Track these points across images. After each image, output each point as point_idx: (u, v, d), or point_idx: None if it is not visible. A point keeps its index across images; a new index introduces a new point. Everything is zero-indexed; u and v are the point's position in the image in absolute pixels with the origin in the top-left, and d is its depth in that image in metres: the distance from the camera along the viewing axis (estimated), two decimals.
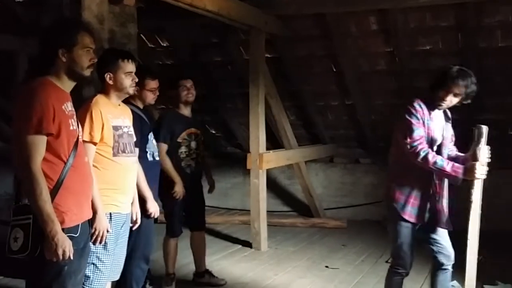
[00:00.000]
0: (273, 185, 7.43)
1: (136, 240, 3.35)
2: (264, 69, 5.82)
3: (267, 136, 5.87)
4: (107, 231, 2.70)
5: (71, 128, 2.37)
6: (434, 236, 3.38)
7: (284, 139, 6.56)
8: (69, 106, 2.39)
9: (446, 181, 3.30)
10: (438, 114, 3.33)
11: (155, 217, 3.46)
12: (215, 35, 6.50)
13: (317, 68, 6.57)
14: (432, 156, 3.11)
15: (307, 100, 6.94)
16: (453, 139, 3.46)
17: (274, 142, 6.96)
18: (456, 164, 3.12)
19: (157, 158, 3.75)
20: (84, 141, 2.59)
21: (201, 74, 6.75)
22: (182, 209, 4.30)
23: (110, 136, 2.80)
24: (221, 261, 5.23)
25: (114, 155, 2.82)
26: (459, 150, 3.46)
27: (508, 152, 6.55)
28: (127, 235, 3.02)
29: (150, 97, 3.73)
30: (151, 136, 3.66)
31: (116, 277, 2.98)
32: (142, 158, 3.41)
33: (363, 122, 6.97)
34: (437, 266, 3.43)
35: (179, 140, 4.25)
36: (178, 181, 4.13)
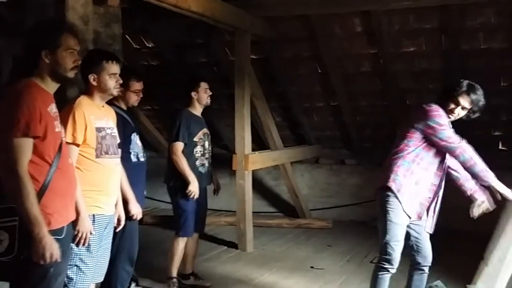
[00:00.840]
0: (259, 186, 7.45)
1: (121, 242, 3.35)
2: (250, 70, 5.83)
3: (253, 137, 5.89)
4: (90, 233, 2.69)
5: (56, 130, 2.37)
6: (416, 235, 3.42)
7: (269, 140, 6.58)
8: (53, 108, 2.38)
9: (442, 187, 3.36)
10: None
11: (138, 219, 3.44)
12: (201, 36, 6.50)
13: (303, 69, 6.60)
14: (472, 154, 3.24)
15: (293, 101, 6.97)
16: None
17: (260, 143, 6.98)
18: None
19: (142, 159, 3.73)
20: (67, 143, 2.58)
21: (186, 75, 6.75)
22: (195, 208, 4.28)
23: (93, 137, 2.79)
24: (207, 262, 5.23)
25: (97, 156, 2.82)
26: None
27: (492, 153, 6.64)
28: (111, 237, 3.01)
29: (134, 99, 3.73)
30: (134, 136, 3.65)
31: (100, 279, 2.97)
32: (125, 159, 3.39)
33: (348, 123, 7.02)
34: (414, 266, 3.49)
35: (195, 139, 4.29)
36: (192, 180, 4.15)
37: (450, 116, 3.32)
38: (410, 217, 3.34)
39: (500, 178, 6.67)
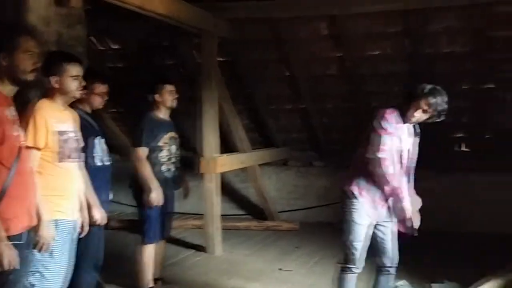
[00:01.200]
0: (227, 189, 7.41)
1: (85, 247, 3.27)
2: (217, 72, 5.82)
3: (221, 140, 5.87)
4: (53, 238, 2.63)
5: (15, 133, 2.31)
6: (382, 236, 3.47)
7: (237, 142, 6.57)
8: (12, 111, 2.33)
9: (406, 186, 3.38)
10: (405, 127, 3.41)
11: (102, 224, 3.37)
12: (167, 38, 6.45)
13: (270, 72, 6.62)
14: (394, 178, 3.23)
15: (260, 104, 6.98)
16: (416, 157, 3.52)
17: (228, 145, 6.96)
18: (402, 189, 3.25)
19: (107, 163, 3.65)
20: (27, 147, 2.51)
21: (153, 77, 6.68)
22: (160, 214, 4.17)
23: (55, 141, 2.72)
24: (174, 266, 5.18)
25: (59, 160, 2.75)
26: None
27: (454, 154, 6.81)
28: (75, 243, 2.95)
29: (98, 101, 3.65)
30: (98, 140, 3.57)
31: (64, 286, 2.90)
32: (89, 163, 3.35)
33: (315, 125, 7.07)
34: (379, 266, 3.53)
35: (160, 144, 4.16)
36: (155, 188, 4.01)
37: (411, 119, 3.36)
38: (371, 218, 3.38)
39: (462, 178, 6.88)
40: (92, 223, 3.22)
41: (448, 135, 6.61)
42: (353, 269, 3.41)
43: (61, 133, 2.77)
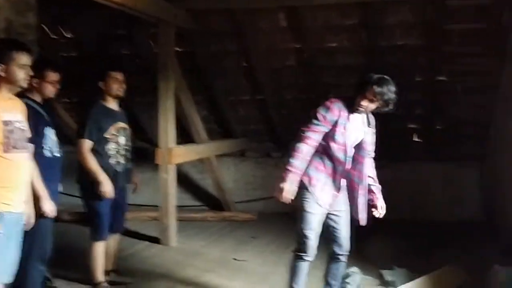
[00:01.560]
0: (184, 180, 7.38)
1: (32, 240, 3.20)
2: (174, 63, 5.75)
3: (179, 131, 5.81)
4: None
5: None
6: (334, 225, 3.54)
7: (194, 133, 6.53)
8: None
9: (362, 178, 3.46)
10: (357, 117, 3.47)
11: (51, 216, 3.30)
12: (123, 27, 6.33)
13: (229, 63, 6.59)
14: (299, 151, 3.33)
15: (219, 95, 6.95)
16: (373, 147, 3.58)
17: (185, 137, 6.92)
18: (292, 173, 3.31)
19: (58, 155, 3.54)
20: None
21: (107, 67, 6.56)
22: (109, 209, 4.03)
23: (0, 131, 2.64)
24: (128, 258, 5.12)
25: (5, 151, 2.66)
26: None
27: (408, 145, 6.97)
28: (21, 235, 2.87)
29: (50, 90, 3.51)
30: (48, 131, 3.46)
31: (10, 279, 2.83)
32: (38, 154, 3.25)
33: (273, 116, 7.10)
34: (331, 254, 3.61)
35: (106, 135, 3.97)
36: (103, 180, 3.86)
37: (359, 108, 3.42)
38: (322, 207, 3.44)
39: (415, 168, 7.08)
40: (40, 215, 3.15)
41: (401, 126, 6.74)
42: (305, 257, 3.48)
43: (6, 122, 2.68)
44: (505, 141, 5.61)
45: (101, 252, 4.08)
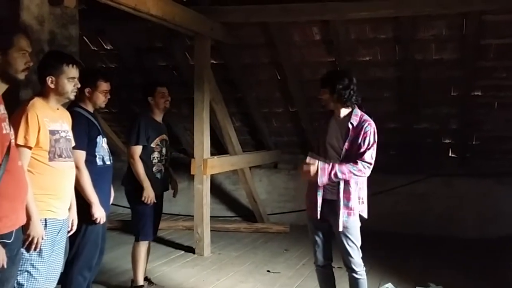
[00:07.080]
0: (217, 191, 7.46)
1: (80, 246, 3.30)
2: (209, 75, 5.86)
3: (213, 142, 5.90)
4: (42, 237, 2.65)
5: (4, 132, 2.31)
6: (317, 233, 3.61)
7: (228, 145, 6.61)
8: (1, 109, 2.33)
9: (342, 184, 3.46)
10: (344, 122, 3.54)
11: (101, 223, 3.40)
12: (160, 40, 6.47)
13: (262, 75, 6.66)
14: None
15: (252, 107, 7.01)
16: (361, 149, 3.46)
17: (219, 147, 7.00)
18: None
19: (108, 163, 3.61)
20: (18, 145, 2.53)
21: (145, 78, 6.72)
22: (153, 212, 4.28)
23: (46, 140, 2.74)
24: (162, 267, 5.20)
25: (50, 159, 2.77)
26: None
27: (442, 160, 6.88)
28: (64, 242, 2.96)
29: (101, 100, 3.62)
30: (100, 139, 3.54)
31: (53, 285, 2.91)
32: (91, 162, 3.38)
33: (306, 128, 7.12)
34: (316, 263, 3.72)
35: (152, 145, 4.27)
36: (147, 186, 4.13)
37: (338, 115, 3.60)
38: (312, 216, 3.54)
39: (449, 183, 6.97)
40: (92, 222, 3.26)
41: (436, 141, 6.68)
42: (315, 265, 3.67)
43: (53, 132, 2.79)
44: None
45: (143, 253, 4.25)
